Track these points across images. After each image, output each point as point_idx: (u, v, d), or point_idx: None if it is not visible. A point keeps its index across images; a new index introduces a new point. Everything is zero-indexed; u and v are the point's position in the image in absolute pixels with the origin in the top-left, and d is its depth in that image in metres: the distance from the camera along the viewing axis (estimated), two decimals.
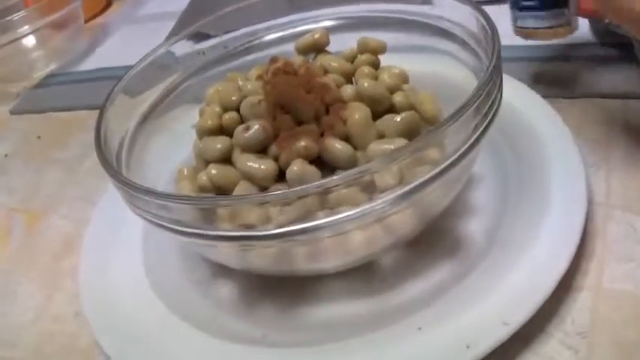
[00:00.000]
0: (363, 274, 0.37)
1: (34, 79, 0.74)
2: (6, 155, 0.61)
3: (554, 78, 0.51)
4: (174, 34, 0.69)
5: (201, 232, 0.31)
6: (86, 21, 0.83)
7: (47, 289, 0.45)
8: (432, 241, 0.37)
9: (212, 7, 0.47)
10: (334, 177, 0.29)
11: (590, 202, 0.38)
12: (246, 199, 0.31)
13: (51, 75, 0.74)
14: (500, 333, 0.30)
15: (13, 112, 0.69)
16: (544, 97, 0.45)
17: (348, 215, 0.30)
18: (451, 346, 0.31)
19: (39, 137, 0.63)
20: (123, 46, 0.76)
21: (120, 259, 0.42)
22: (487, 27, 0.36)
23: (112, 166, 0.34)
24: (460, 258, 0.36)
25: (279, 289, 0.38)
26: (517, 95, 0.44)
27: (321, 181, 0.29)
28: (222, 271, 0.39)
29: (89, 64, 0.74)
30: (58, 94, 0.70)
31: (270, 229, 0.30)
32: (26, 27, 0.72)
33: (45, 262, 0.47)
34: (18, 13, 0.71)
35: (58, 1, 0.74)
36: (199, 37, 0.47)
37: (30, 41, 0.74)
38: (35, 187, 0.56)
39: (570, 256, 0.33)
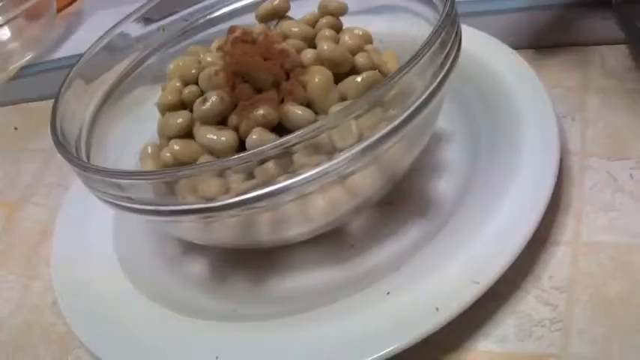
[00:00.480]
0: (333, 241, 0.36)
1: (10, 70, 0.73)
2: None
3: (526, 28, 0.49)
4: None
5: (159, 208, 0.31)
6: (60, 9, 0.82)
7: (25, 279, 0.44)
8: (400, 202, 0.37)
9: None
10: (288, 136, 0.28)
11: (565, 152, 0.37)
12: (197, 168, 0.30)
13: (27, 66, 0.73)
14: (470, 293, 0.30)
15: None
16: (516, 48, 0.44)
17: (308, 176, 0.29)
18: (420, 309, 0.30)
19: (16, 128, 0.62)
20: (97, 32, 0.74)
21: (91, 242, 0.42)
22: None
23: (64, 147, 0.33)
24: (429, 218, 0.35)
25: (250, 262, 0.37)
26: (486, 48, 0.43)
27: (276, 142, 0.28)
28: (192, 247, 0.39)
29: (64, 51, 0.73)
30: (34, 84, 0.69)
31: (230, 198, 0.29)
32: None
33: (23, 251, 0.47)
34: None
35: None
36: (158, 14, 0.46)
37: (4, 33, 0.73)
38: (13, 178, 0.55)
39: (541, 209, 0.32)
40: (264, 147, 0.28)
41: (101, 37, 0.44)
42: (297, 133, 0.28)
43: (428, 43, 0.30)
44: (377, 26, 0.42)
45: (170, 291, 0.37)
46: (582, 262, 0.33)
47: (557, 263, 0.33)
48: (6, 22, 0.72)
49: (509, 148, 0.37)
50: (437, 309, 0.29)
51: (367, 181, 0.32)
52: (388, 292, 0.31)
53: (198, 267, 0.38)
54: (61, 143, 0.33)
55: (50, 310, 0.41)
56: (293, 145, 0.28)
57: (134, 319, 0.36)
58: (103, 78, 0.43)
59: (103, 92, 0.43)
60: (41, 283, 0.43)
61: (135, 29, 0.45)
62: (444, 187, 0.37)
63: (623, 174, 0.36)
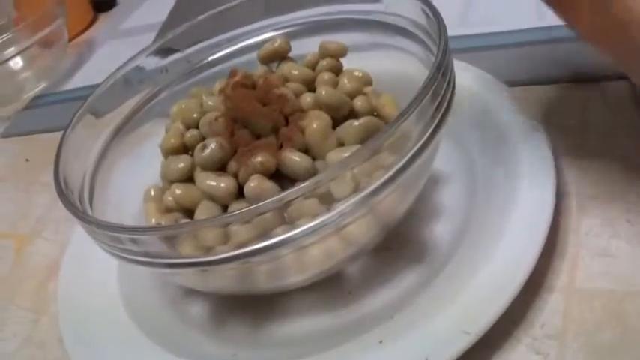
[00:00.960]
0: (329, 287, 0.36)
1: (23, 100, 0.74)
2: None
3: (521, 64, 0.49)
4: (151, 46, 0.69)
5: (157, 260, 0.31)
6: (72, 38, 0.84)
7: (34, 314, 0.45)
8: (396, 246, 0.37)
9: (193, 17, 0.47)
10: (287, 192, 0.28)
11: (561, 195, 0.37)
12: (196, 225, 0.31)
13: (39, 96, 0.75)
14: (460, 343, 0.30)
15: (4, 136, 0.70)
16: (512, 84, 0.44)
17: (306, 229, 0.29)
18: (410, 359, 0.30)
19: (27, 160, 0.63)
20: (108, 61, 0.75)
21: (96, 280, 0.42)
22: (433, 18, 0.35)
23: (66, 197, 0.34)
24: (425, 264, 0.36)
25: (249, 307, 0.37)
26: (482, 85, 0.43)
27: (274, 198, 0.28)
28: (193, 290, 0.39)
29: (76, 81, 0.75)
30: (45, 115, 0.70)
31: (227, 252, 0.30)
32: (12, 48, 0.73)
33: (32, 286, 0.48)
34: (4, 35, 0.72)
35: (43, 19, 0.74)
36: (166, 52, 0.47)
37: (17, 63, 0.75)
38: (24, 211, 0.56)
39: (535, 257, 0.32)
40: (263, 203, 0.28)
41: (113, 72, 0.44)
42: (296, 188, 0.28)
43: (421, 93, 0.30)
44: (373, 64, 0.42)
45: (171, 333, 0.38)
46: (575, 309, 0.32)
47: (550, 310, 0.33)
48: (19, 52, 0.73)
49: (505, 191, 0.37)
50: (426, 359, 0.30)
51: (363, 230, 0.33)
52: (381, 341, 0.32)
53: (198, 310, 0.39)
54: (63, 193, 0.34)
55: (57, 347, 0.41)
56: (292, 200, 0.28)
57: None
58: (114, 113, 0.44)
59: (112, 128, 0.44)
60: (49, 319, 0.44)
61: (150, 63, 0.46)
62: (440, 230, 0.37)
63: (620, 218, 0.36)
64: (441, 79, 0.32)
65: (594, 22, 0.29)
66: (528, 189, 0.36)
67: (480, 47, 0.49)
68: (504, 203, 0.36)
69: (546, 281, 0.34)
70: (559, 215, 0.36)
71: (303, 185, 0.28)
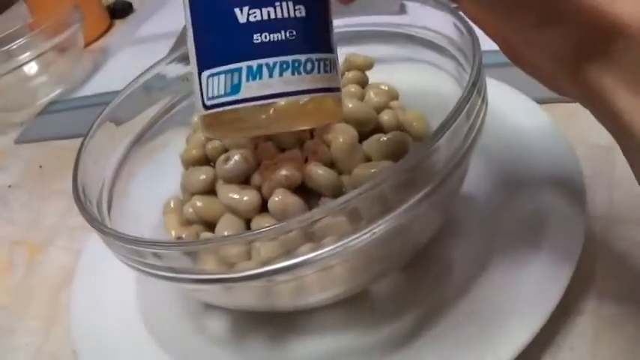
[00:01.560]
0: (353, 304, 0.35)
1: (37, 106, 0.74)
2: (9, 186, 0.61)
3: None
4: (174, 51, 0.68)
5: (178, 275, 0.30)
6: (87, 44, 0.83)
7: (45, 324, 0.44)
8: (422, 265, 0.36)
9: None
10: (314, 210, 0.27)
11: (590, 216, 0.37)
12: (219, 242, 0.30)
13: (54, 102, 0.74)
14: None
15: (17, 142, 0.69)
16: (541, 102, 0.43)
17: (331, 249, 0.28)
18: None
19: (41, 167, 0.62)
20: (123, 69, 0.75)
21: (111, 290, 0.42)
22: (467, 34, 0.34)
23: (83, 206, 0.33)
24: (451, 283, 0.35)
25: (270, 321, 0.37)
26: (511, 102, 0.42)
27: (301, 217, 0.27)
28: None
29: (91, 87, 0.74)
30: (60, 121, 0.70)
31: (251, 269, 0.29)
32: (28, 53, 0.72)
33: (45, 296, 0.47)
34: (20, 40, 0.71)
35: (59, 24, 0.74)
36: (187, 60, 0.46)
37: (32, 68, 0.74)
38: (37, 218, 0.56)
39: (565, 282, 0.32)
40: (289, 222, 0.27)
41: (134, 80, 0.43)
42: (324, 207, 0.27)
43: (456, 111, 0.29)
44: (398, 77, 0.42)
45: (189, 347, 0.37)
46: (604, 333, 0.32)
47: (579, 334, 0.32)
48: (35, 58, 0.73)
49: (534, 213, 0.36)
50: None
51: (391, 250, 0.32)
52: None
53: (218, 324, 0.38)
54: (81, 202, 0.33)
55: (70, 359, 0.41)
56: (319, 219, 0.27)
57: None
58: (134, 121, 0.43)
59: (132, 136, 0.43)
60: (61, 331, 0.43)
61: (171, 71, 0.45)
62: (467, 249, 0.37)
63: None
64: (475, 97, 0.31)
65: None
66: (558, 211, 0.36)
67: (508, 62, 0.48)
68: (534, 225, 0.35)
69: (575, 304, 0.33)
70: (588, 236, 0.35)
71: (331, 205, 0.27)
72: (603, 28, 0.23)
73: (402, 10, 0.41)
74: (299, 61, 0.24)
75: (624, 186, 0.39)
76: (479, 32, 0.33)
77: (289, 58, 0.24)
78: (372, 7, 0.42)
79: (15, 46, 0.71)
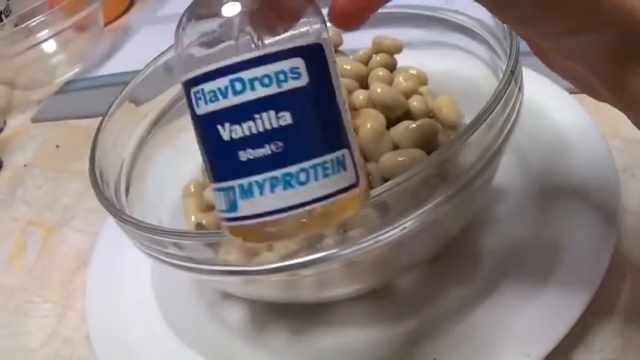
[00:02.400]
0: (378, 298, 0.34)
1: (55, 84, 0.73)
2: (25, 165, 0.60)
3: None
4: None
5: (198, 266, 0.29)
6: (107, 23, 0.82)
7: (60, 308, 0.43)
8: (449, 258, 0.35)
9: None
10: None
11: (623, 211, 0.35)
12: None
13: (72, 81, 0.73)
14: None
15: (34, 120, 0.68)
16: (572, 92, 0.41)
17: (358, 244, 0.27)
18: None
19: (57, 146, 0.61)
20: (144, 48, 0.74)
21: (128, 279, 0.41)
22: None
23: (101, 193, 0.32)
24: (478, 280, 0.33)
25: (291, 313, 0.35)
26: (543, 93, 0.41)
27: None
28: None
29: (110, 67, 0.73)
30: (78, 100, 0.69)
31: (274, 262, 0.27)
32: (46, 31, 0.71)
33: (59, 278, 0.46)
34: (39, 17, 0.70)
35: (79, 1, 0.73)
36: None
37: (51, 46, 0.73)
38: (52, 199, 0.55)
39: (598, 280, 0.30)
40: None
41: (154, 59, 0.42)
42: None
43: (493, 102, 0.27)
44: (428, 62, 0.40)
45: (207, 337, 0.36)
46: (635, 333, 0.30)
47: (609, 334, 0.31)
48: (54, 35, 0.71)
49: (566, 208, 0.34)
50: None
51: (419, 244, 0.31)
52: (434, 358, 0.30)
53: (237, 313, 0.37)
54: (99, 187, 0.32)
55: (84, 344, 0.40)
56: None
57: None
58: (154, 102, 0.42)
59: (152, 117, 0.41)
60: (76, 314, 0.42)
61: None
62: (496, 245, 0.35)
63: None
64: (512, 87, 0.29)
65: None
66: (591, 207, 0.34)
67: None
68: (565, 221, 0.34)
69: (606, 303, 0.32)
70: (621, 234, 0.34)
71: None
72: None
73: None
74: (290, 174, 0.22)
75: None
76: None
77: (278, 173, 0.22)
78: None
79: (34, 23, 0.70)
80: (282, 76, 0.22)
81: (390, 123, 0.35)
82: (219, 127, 0.22)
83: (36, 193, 0.56)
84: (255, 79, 0.22)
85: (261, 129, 0.22)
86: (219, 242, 0.28)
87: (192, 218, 0.37)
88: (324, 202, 0.22)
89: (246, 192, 0.22)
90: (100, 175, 0.34)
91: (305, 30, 0.24)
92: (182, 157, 0.41)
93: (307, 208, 0.22)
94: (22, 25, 0.70)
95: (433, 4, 0.40)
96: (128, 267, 0.41)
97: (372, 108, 0.36)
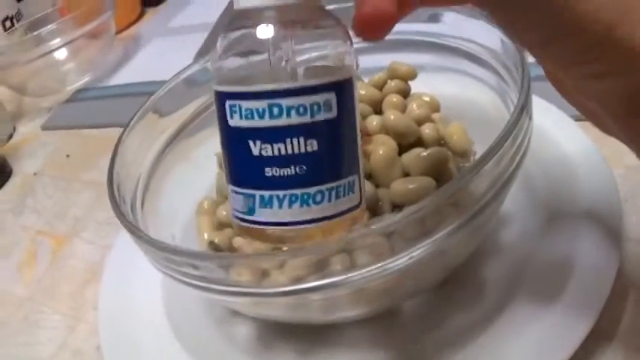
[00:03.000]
0: (384, 321, 0.35)
1: (66, 92, 0.74)
2: (35, 174, 0.61)
3: None
4: (206, 46, 0.68)
5: (209, 286, 0.30)
6: (118, 32, 0.83)
7: (70, 320, 0.44)
8: (456, 283, 0.35)
9: None
10: (352, 235, 0.27)
11: (625, 240, 0.36)
12: (253, 258, 0.29)
13: (82, 89, 0.74)
14: None
15: (44, 128, 0.69)
16: (577, 119, 0.42)
17: (367, 271, 0.27)
18: None
19: (68, 156, 0.62)
20: (155, 59, 0.75)
21: (140, 293, 0.41)
22: (516, 52, 0.33)
23: (119, 210, 0.33)
24: (484, 304, 0.34)
25: (298, 334, 0.36)
26: (549, 120, 0.41)
27: (340, 239, 0.27)
28: None
29: (121, 77, 0.74)
30: (89, 109, 0.69)
31: (284, 286, 0.28)
32: (58, 39, 0.72)
33: (68, 290, 0.46)
34: (50, 25, 0.71)
35: (91, 11, 0.74)
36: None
37: (62, 54, 0.74)
38: (63, 209, 0.55)
39: (600, 307, 0.31)
40: (327, 243, 0.27)
41: (178, 72, 0.42)
42: (363, 230, 0.27)
43: (504, 136, 0.28)
44: (439, 87, 0.41)
45: (215, 352, 0.36)
46: (636, 358, 0.31)
47: (610, 359, 0.31)
48: (66, 44, 0.72)
49: (569, 234, 0.35)
50: None
51: (426, 272, 0.31)
52: None
53: (245, 331, 0.37)
54: (117, 204, 0.33)
55: (94, 357, 0.40)
56: (357, 240, 0.27)
57: None
58: (175, 116, 0.42)
59: (172, 130, 0.42)
60: (86, 326, 0.43)
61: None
62: (501, 270, 0.36)
63: None
64: (523, 120, 0.30)
65: None
66: (594, 234, 0.35)
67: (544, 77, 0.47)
68: (569, 247, 0.35)
69: (608, 329, 0.32)
70: (622, 262, 0.35)
71: (374, 227, 0.27)
72: None
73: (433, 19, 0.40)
74: (308, 194, 0.25)
75: None
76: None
77: (298, 192, 0.24)
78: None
79: (45, 32, 0.70)
80: (316, 108, 0.24)
81: (402, 149, 0.36)
82: (250, 142, 0.24)
83: (46, 202, 0.57)
84: (292, 107, 0.24)
85: (289, 152, 0.24)
86: (231, 264, 0.28)
87: (205, 236, 0.37)
88: (333, 220, 0.25)
89: (266, 203, 0.25)
90: (118, 189, 0.35)
91: (338, 53, 0.26)
92: (197, 172, 0.42)
93: (318, 224, 0.25)
94: (34, 33, 0.71)
95: (445, 31, 0.41)
96: (140, 280, 0.41)
97: (385, 134, 0.36)
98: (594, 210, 0.36)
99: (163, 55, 0.74)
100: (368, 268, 0.27)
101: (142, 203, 0.38)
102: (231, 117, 0.25)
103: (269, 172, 0.24)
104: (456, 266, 0.34)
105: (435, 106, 0.40)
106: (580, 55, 0.23)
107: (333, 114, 0.24)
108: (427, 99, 0.39)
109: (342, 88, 0.25)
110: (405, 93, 0.40)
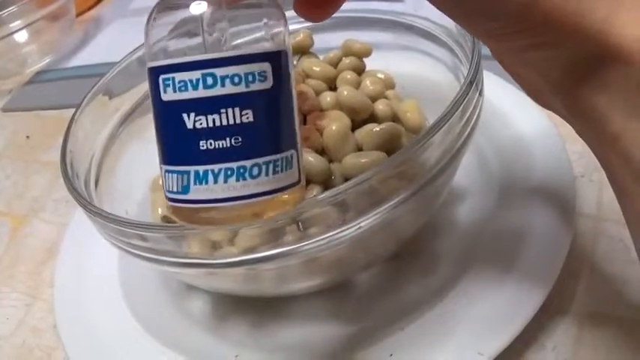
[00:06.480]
0: (338, 294, 0.35)
1: (26, 74, 0.73)
2: None
3: None
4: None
5: (160, 258, 0.30)
6: (79, 14, 0.82)
7: (28, 298, 0.44)
8: (409, 257, 0.36)
9: None
10: (303, 204, 0.27)
11: (579, 215, 0.37)
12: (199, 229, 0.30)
13: (43, 71, 0.73)
14: None
15: (4, 110, 0.68)
16: None
17: (317, 240, 0.28)
18: None
19: (28, 137, 0.61)
20: (115, 41, 0.74)
21: (96, 270, 0.41)
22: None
23: (71, 183, 0.33)
24: (437, 276, 0.35)
25: (253, 305, 0.36)
26: (503, 96, 0.42)
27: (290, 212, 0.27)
28: None
29: (81, 59, 0.73)
30: (49, 91, 0.68)
31: (235, 256, 0.28)
32: (19, 21, 0.71)
33: (27, 269, 0.46)
34: (11, 8, 0.70)
35: None
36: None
37: (22, 36, 0.73)
38: (21, 190, 0.55)
39: (552, 281, 0.32)
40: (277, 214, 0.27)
41: (129, 53, 0.42)
42: (313, 198, 0.27)
43: (452, 108, 0.29)
44: (394, 65, 0.41)
45: (171, 328, 0.37)
46: (587, 333, 0.32)
47: (562, 333, 0.32)
48: (26, 26, 0.71)
49: (523, 209, 0.36)
50: None
51: (378, 243, 0.32)
52: (391, 354, 0.31)
53: (200, 305, 0.38)
54: (69, 177, 0.33)
55: (51, 333, 0.40)
56: (306, 212, 0.27)
57: (132, 355, 0.35)
58: (127, 95, 0.42)
59: (124, 110, 0.42)
60: (43, 304, 0.43)
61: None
62: (454, 244, 0.36)
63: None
64: (472, 93, 0.30)
65: None
66: (548, 209, 0.36)
67: None
68: (522, 221, 0.35)
69: (560, 303, 0.33)
70: (576, 236, 0.35)
71: (322, 196, 0.27)
72: (602, 51, 0.22)
73: None
74: (244, 167, 0.24)
75: None
76: None
77: (234, 165, 0.24)
78: None
79: (6, 14, 0.69)
80: (250, 77, 0.23)
81: (356, 125, 0.37)
82: (184, 116, 0.24)
83: (5, 183, 0.56)
84: (227, 76, 0.23)
85: (224, 123, 0.23)
86: (182, 235, 0.29)
87: (159, 211, 0.37)
88: (270, 197, 0.24)
89: (201, 178, 0.24)
90: (71, 166, 0.35)
91: (273, 33, 0.25)
92: (151, 150, 0.42)
93: (254, 200, 0.24)
94: None
95: (401, 9, 0.41)
96: (96, 257, 0.41)
97: (339, 110, 0.37)
98: (548, 186, 0.37)
99: (124, 36, 0.73)
100: (318, 237, 0.28)
101: (97, 181, 0.38)
102: (165, 91, 0.24)
103: (204, 145, 0.24)
104: (408, 238, 0.35)
105: (389, 84, 0.40)
106: (508, 27, 0.23)
107: (268, 84, 0.24)
108: (381, 76, 0.40)
109: (278, 59, 0.24)
110: (360, 70, 0.41)
